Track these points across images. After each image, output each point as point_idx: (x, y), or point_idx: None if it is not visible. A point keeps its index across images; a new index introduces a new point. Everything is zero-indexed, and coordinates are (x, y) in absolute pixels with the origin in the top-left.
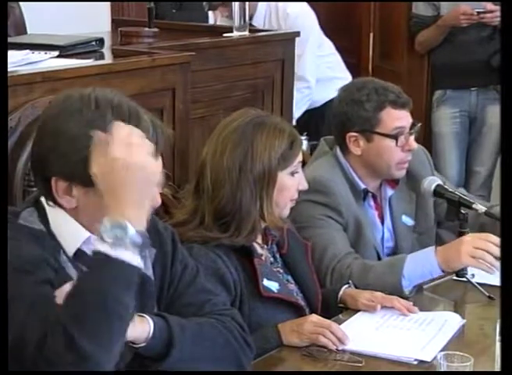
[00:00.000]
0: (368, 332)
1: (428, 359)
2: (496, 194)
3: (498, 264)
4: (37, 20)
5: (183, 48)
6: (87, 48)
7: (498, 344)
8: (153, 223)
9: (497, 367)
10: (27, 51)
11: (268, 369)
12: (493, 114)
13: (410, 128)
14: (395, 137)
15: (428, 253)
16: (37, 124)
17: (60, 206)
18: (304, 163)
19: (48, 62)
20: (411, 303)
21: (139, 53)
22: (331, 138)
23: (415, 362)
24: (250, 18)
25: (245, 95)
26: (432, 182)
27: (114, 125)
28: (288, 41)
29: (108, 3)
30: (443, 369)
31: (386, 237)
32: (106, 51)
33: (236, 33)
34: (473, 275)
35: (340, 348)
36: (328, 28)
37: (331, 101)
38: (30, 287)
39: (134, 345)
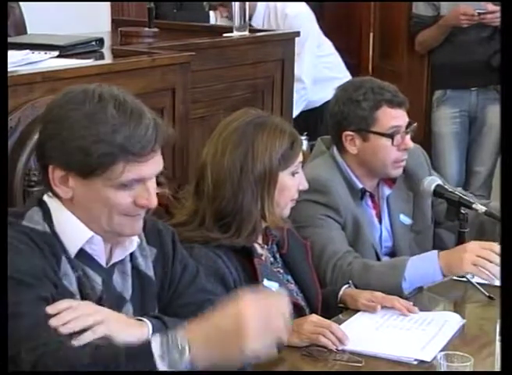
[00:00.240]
0: (367, 332)
1: (428, 359)
2: (496, 194)
3: (498, 273)
4: (37, 20)
5: (183, 48)
6: (87, 48)
7: (498, 344)
8: (153, 223)
9: (497, 367)
10: (27, 51)
11: (268, 369)
12: (493, 114)
13: (407, 127)
14: (391, 136)
15: (430, 257)
16: (37, 124)
17: (57, 197)
18: (303, 163)
19: (48, 62)
20: (411, 303)
21: (139, 53)
22: (328, 138)
23: (415, 362)
24: (250, 18)
25: (245, 95)
26: (431, 182)
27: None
28: (288, 40)
29: (108, 3)
30: (443, 369)
31: (384, 237)
32: (106, 51)
33: (236, 33)
34: (473, 275)
35: (340, 348)
36: (328, 28)
37: (330, 101)
38: (28, 304)
39: None
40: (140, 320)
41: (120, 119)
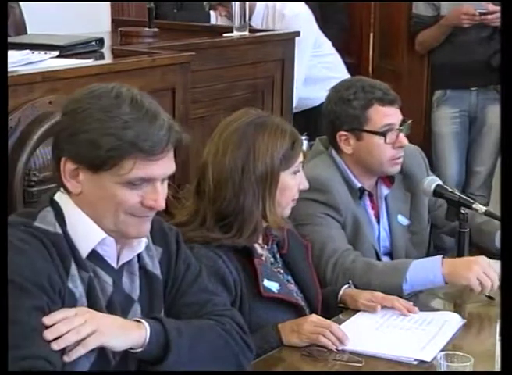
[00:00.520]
0: (367, 332)
1: (428, 359)
2: (496, 194)
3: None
4: (37, 20)
5: (183, 48)
6: (87, 48)
7: (498, 344)
8: (159, 222)
9: (497, 367)
10: (27, 51)
11: (268, 369)
12: (493, 114)
13: (400, 125)
14: (383, 135)
15: (434, 263)
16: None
17: (68, 192)
18: (303, 163)
19: (48, 62)
20: (411, 303)
21: (139, 53)
22: (326, 138)
23: (415, 362)
24: (249, 18)
25: (245, 95)
26: (431, 182)
27: None
28: (288, 41)
29: (108, 3)
30: (443, 369)
31: (382, 237)
32: (106, 51)
33: (236, 33)
34: None
35: (340, 348)
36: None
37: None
38: (23, 312)
39: (131, 351)
40: (138, 322)
41: (133, 116)
